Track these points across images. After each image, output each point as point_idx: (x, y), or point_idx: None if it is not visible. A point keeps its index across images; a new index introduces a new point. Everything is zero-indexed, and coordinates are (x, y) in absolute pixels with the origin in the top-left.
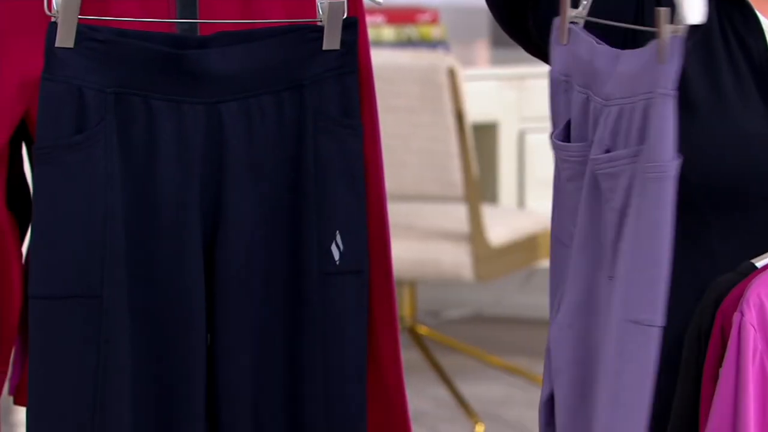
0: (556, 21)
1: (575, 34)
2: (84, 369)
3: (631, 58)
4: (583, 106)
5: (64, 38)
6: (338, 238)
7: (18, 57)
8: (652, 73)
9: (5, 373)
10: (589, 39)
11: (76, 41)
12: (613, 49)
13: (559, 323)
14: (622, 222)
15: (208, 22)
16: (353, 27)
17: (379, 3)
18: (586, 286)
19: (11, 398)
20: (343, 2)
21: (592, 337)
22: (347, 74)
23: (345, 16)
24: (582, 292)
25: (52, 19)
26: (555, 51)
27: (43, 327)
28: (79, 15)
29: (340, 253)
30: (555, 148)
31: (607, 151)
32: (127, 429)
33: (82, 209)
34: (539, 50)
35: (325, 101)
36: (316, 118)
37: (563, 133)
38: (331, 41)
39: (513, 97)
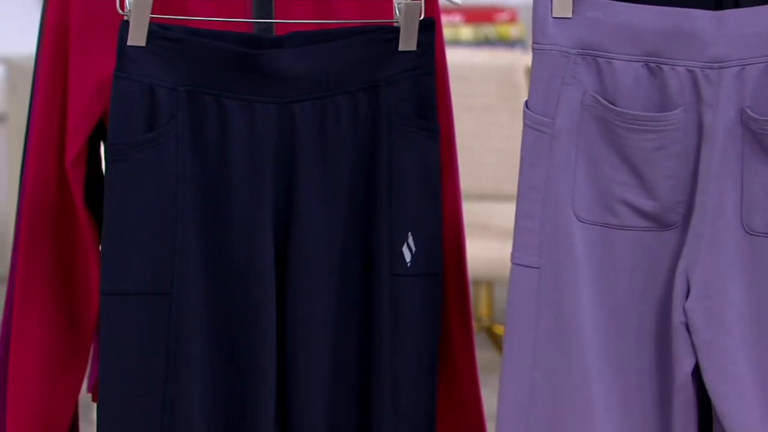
0: None
1: (592, 5)
2: (153, 366)
3: (748, 19)
4: (636, 74)
5: (136, 37)
6: (410, 239)
7: (96, 56)
8: None
9: (84, 370)
10: (631, 6)
11: (148, 40)
12: (713, 11)
13: None
14: None
15: (281, 22)
16: (431, 28)
17: (457, 4)
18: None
19: (90, 395)
20: (420, 3)
21: None
22: (424, 75)
23: (422, 17)
24: None
25: (125, 18)
26: (554, 24)
27: (112, 323)
28: (155, 14)
29: (411, 254)
30: (632, 120)
31: (742, 111)
32: (198, 427)
33: (153, 206)
34: None
35: (400, 102)
36: (390, 118)
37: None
38: (408, 42)
39: None
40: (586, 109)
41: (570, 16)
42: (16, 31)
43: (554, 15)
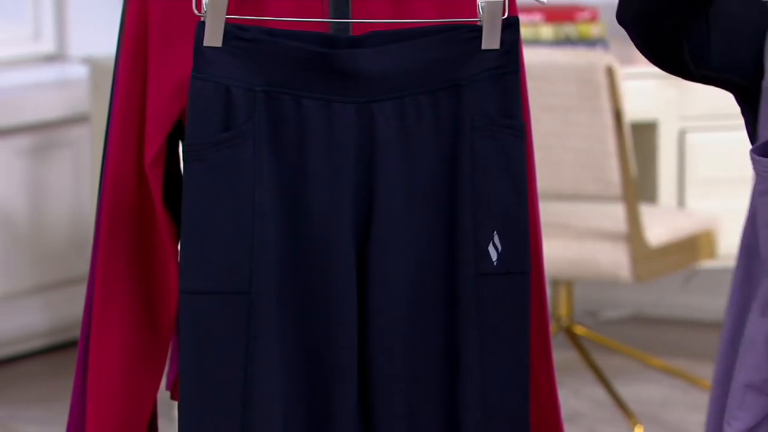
0: None
1: None
2: (232, 365)
3: None
4: None
5: (212, 37)
6: (496, 238)
7: (175, 57)
8: None
9: (163, 368)
10: None
11: (224, 40)
12: None
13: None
14: None
15: (358, 22)
16: (514, 26)
17: (543, 3)
18: None
19: (169, 393)
20: (502, 2)
21: None
22: (508, 74)
23: (505, 16)
24: None
25: (201, 19)
26: None
27: (191, 321)
28: (234, 15)
29: (497, 253)
30: (752, 161)
31: None
32: (278, 425)
33: (230, 206)
34: (701, 79)
35: (483, 101)
36: (473, 118)
37: (762, 148)
38: (491, 41)
39: (673, 95)
40: None
41: None
42: (101, 30)
43: None
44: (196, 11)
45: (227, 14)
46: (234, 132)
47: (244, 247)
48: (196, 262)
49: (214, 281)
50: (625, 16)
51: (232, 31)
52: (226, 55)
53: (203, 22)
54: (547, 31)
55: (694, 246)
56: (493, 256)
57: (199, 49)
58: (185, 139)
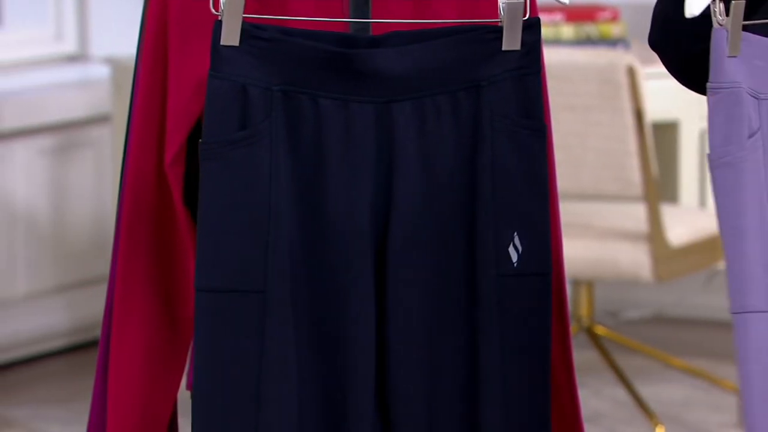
0: (719, 32)
1: (755, 43)
2: (246, 363)
3: None
4: None
5: (229, 36)
6: (516, 239)
7: (194, 56)
8: None
9: (183, 367)
10: None
11: (241, 39)
12: None
13: None
14: None
15: (378, 22)
16: (535, 27)
17: (564, 3)
18: None
19: (189, 392)
20: (523, 2)
21: None
22: (529, 75)
23: (526, 16)
24: None
25: (218, 18)
26: (730, 63)
27: (206, 319)
28: (256, 15)
29: (518, 254)
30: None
31: None
32: (292, 425)
33: (245, 205)
34: None
35: (504, 102)
36: (493, 118)
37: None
38: (511, 41)
39: (695, 95)
40: None
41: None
42: (122, 31)
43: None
44: (213, 10)
45: (247, 14)
46: (250, 131)
47: (258, 246)
48: (210, 260)
49: (228, 279)
50: (655, 40)
51: (249, 30)
52: (244, 54)
53: (220, 21)
54: (568, 30)
55: (715, 246)
56: (514, 257)
57: (216, 47)
58: (202, 138)
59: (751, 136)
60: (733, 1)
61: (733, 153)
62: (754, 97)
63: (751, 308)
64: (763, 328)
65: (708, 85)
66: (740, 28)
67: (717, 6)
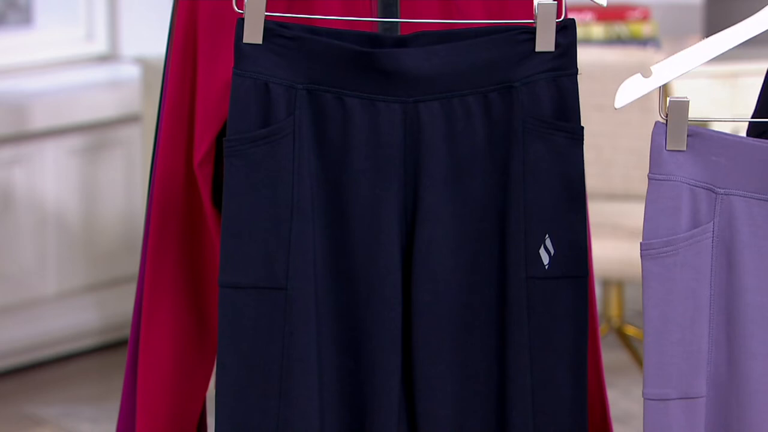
0: (658, 126)
1: (708, 139)
2: (268, 360)
3: None
4: (750, 211)
5: (251, 34)
6: (548, 241)
7: (223, 56)
8: None
9: (212, 367)
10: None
11: (266, 37)
12: None
13: None
14: None
15: (405, 21)
16: (570, 29)
17: (601, 4)
18: None
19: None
20: (556, 3)
21: None
22: (563, 77)
23: (560, 18)
24: None
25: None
26: (669, 156)
27: (229, 315)
28: (283, 13)
29: (549, 257)
30: None
31: None
32: (315, 421)
33: (268, 202)
34: None
35: (537, 103)
36: (525, 120)
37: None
38: (545, 43)
39: (725, 94)
40: None
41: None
42: (152, 31)
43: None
44: (236, 8)
45: (276, 13)
46: (272, 128)
47: (281, 243)
48: (233, 256)
49: (250, 276)
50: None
51: (273, 28)
52: (267, 52)
53: (242, 19)
54: (598, 30)
55: None
56: (545, 259)
57: (238, 45)
58: (226, 135)
59: (694, 228)
60: (669, 98)
61: (657, 247)
62: (709, 190)
63: (665, 396)
64: (677, 414)
65: (648, 174)
66: (683, 124)
67: (660, 101)
